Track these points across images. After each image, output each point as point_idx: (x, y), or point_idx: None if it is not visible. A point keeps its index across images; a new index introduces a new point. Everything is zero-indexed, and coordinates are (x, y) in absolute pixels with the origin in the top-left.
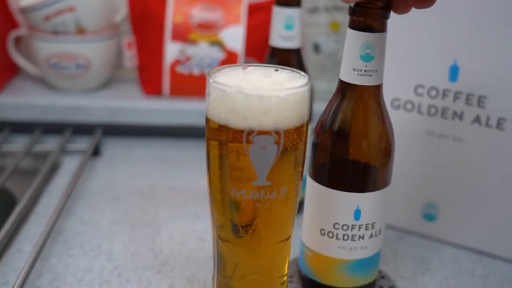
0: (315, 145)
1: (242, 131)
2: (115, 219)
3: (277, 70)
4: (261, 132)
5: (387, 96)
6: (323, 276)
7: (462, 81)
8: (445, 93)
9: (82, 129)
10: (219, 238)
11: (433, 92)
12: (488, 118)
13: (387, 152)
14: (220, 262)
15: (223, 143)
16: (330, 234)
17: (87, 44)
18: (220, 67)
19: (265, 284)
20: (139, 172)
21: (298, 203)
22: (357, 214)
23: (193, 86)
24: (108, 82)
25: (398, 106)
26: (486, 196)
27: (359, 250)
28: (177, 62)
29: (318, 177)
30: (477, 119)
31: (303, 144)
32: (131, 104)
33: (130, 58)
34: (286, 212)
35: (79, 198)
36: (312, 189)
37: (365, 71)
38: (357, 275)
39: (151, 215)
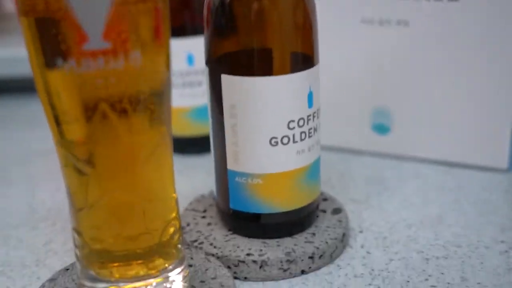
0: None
1: None
2: None
3: None
4: None
5: None
6: (276, 201)
7: None
8: None
9: None
10: (60, 147)
11: None
12: None
13: (309, 24)
14: (71, 188)
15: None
16: (285, 140)
17: None
18: None
19: (138, 206)
20: None
21: (167, 70)
22: (310, 99)
23: None
24: None
25: None
26: (445, 94)
27: (315, 149)
28: None
29: (243, 68)
30: None
31: None
32: None
33: None
34: (145, 82)
35: None
36: (239, 90)
37: None
38: (310, 186)
39: None
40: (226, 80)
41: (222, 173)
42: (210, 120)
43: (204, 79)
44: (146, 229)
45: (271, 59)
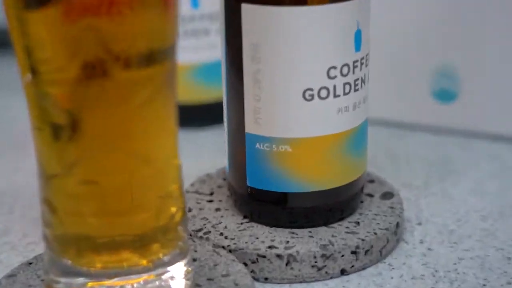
0: None
1: None
2: None
3: None
4: None
5: None
6: (309, 176)
7: None
8: None
9: None
10: (33, 79)
11: None
12: None
13: None
14: (42, 150)
15: None
16: (323, 93)
17: None
18: None
19: (127, 170)
20: None
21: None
22: (358, 39)
23: None
24: None
25: None
26: None
27: (362, 108)
28: None
29: None
30: None
31: None
32: None
33: None
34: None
35: None
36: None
37: None
38: (355, 158)
39: None
40: (248, 11)
41: (238, 139)
42: (223, 69)
43: (212, 27)
44: (137, 203)
45: None
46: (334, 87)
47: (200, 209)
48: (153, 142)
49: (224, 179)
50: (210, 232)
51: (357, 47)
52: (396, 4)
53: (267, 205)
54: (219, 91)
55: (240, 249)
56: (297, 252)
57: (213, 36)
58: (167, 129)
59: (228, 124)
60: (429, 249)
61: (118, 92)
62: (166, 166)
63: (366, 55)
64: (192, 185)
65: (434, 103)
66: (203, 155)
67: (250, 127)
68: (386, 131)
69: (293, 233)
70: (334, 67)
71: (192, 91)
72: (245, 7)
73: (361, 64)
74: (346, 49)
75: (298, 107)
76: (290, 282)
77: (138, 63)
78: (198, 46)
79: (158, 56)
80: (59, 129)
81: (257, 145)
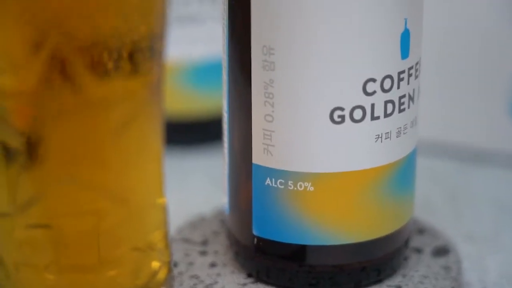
0: None
1: None
2: None
3: None
4: None
5: None
6: (336, 225)
7: None
8: None
9: None
10: None
11: None
12: None
13: None
14: None
15: None
16: (358, 114)
17: None
18: None
19: (95, 214)
20: None
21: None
22: (405, 43)
23: None
24: None
25: None
26: None
27: (410, 135)
28: None
29: None
30: None
31: None
32: None
33: None
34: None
35: None
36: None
37: None
38: (397, 201)
39: None
40: (259, 4)
41: (242, 172)
42: (225, 78)
43: (208, 11)
44: (106, 255)
45: None
46: (372, 106)
47: (190, 263)
48: (130, 175)
49: (222, 223)
50: None
51: (404, 53)
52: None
53: (279, 261)
54: (216, 102)
55: None
56: None
57: (210, 24)
58: (150, 158)
59: (230, 151)
60: None
61: (87, 109)
62: (146, 206)
63: (416, 64)
64: (179, 230)
65: (511, 125)
66: (193, 185)
67: (258, 157)
68: (443, 162)
69: None
70: (373, 80)
71: (180, 100)
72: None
73: (409, 75)
74: (389, 55)
75: (323, 132)
76: None
77: (115, 66)
78: (191, 39)
79: (141, 54)
80: (11, 154)
81: (268, 181)
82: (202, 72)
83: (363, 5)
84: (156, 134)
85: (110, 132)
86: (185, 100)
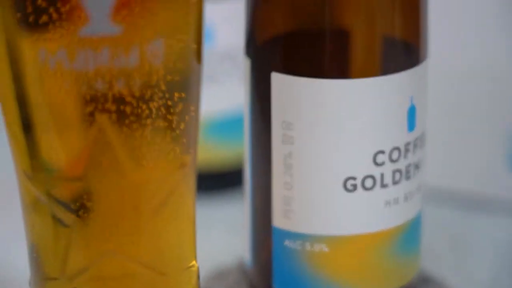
0: None
1: None
2: None
3: None
4: None
5: None
6: (350, 282)
7: None
8: None
9: None
10: (26, 178)
11: None
12: None
13: None
14: (39, 248)
15: None
16: (369, 182)
17: None
18: None
19: (140, 282)
20: None
21: (198, 88)
22: (412, 118)
23: None
24: None
25: None
26: None
27: (416, 199)
28: None
29: (306, 64)
30: None
31: None
32: None
33: None
34: (169, 101)
35: None
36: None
37: None
38: (404, 258)
39: None
40: (279, 81)
41: (263, 232)
42: (247, 146)
43: (231, 69)
44: None
45: (350, 50)
46: (382, 175)
47: None
48: (166, 244)
49: (245, 274)
50: None
51: (411, 126)
52: (465, 50)
53: None
54: (235, 153)
55: None
56: None
57: (231, 80)
58: (185, 226)
59: (251, 212)
60: None
61: (129, 190)
62: (180, 271)
63: (422, 135)
64: (202, 281)
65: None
66: (215, 233)
67: (278, 220)
68: (447, 208)
69: None
70: (382, 152)
71: (203, 152)
72: (277, 77)
73: (415, 146)
74: (397, 129)
75: (337, 199)
76: None
77: (157, 151)
78: (211, 95)
79: (179, 141)
80: (62, 227)
81: (286, 242)
82: (221, 126)
83: (373, 86)
84: (190, 205)
85: (149, 210)
86: (204, 150)
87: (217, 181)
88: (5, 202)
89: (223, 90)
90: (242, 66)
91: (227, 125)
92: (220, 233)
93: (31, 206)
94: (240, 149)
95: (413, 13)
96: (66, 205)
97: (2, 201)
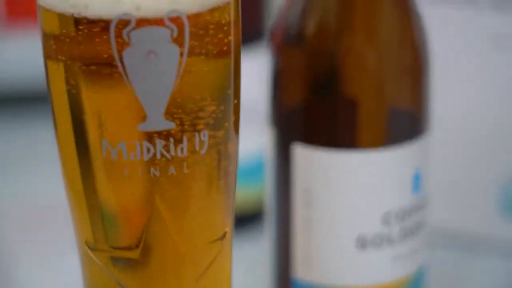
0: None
1: (107, 23)
2: None
3: None
4: (143, 22)
5: None
6: None
7: None
8: None
9: None
10: (91, 251)
11: None
12: None
13: (418, 66)
14: None
15: (70, 54)
16: (378, 240)
17: None
18: None
19: None
20: None
21: (236, 163)
22: (416, 183)
23: None
24: None
25: None
26: None
27: (420, 251)
28: None
29: (326, 135)
30: None
31: (231, 43)
32: None
33: None
34: (214, 181)
35: None
36: (319, 167)
37: None
38: None
39: None
40: (302, 152)
41: (284, 281)
42: (270, 206)
43: (251, 116)
44: None
45: (356, 123)
46: (389, 233)
47: None
48: None
49: None
50: None
51: (416, 190)
52: (463, 106)
53: None
54: (253, 197)
55: None
56: None
57: (253, 127)
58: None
59: (272, 264)
60: None
61: (176, 264)
62: None
63: (425, 195)
64: None
65: (502, 218)
66: (237, 272)
67: (298, 272)
68: (442, 249)
69: None
70: (390, 213)
71: None
72: (297, 148)
73: (420, 206)
74: (403, 193)
75: (350, 255)
76: None
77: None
78: None
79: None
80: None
81: None
82: (244, 170)
83: (381, 158)
84: (228, 269)
85: (191, 278)
86: None
87: (239, 220)
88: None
89: (245, 136)
90: (262, 112)
91: (248, 170)
92: (240, 272)
93: (90, 271)
94: (260, 192)
95: (418, 87)
96: (121, 272)
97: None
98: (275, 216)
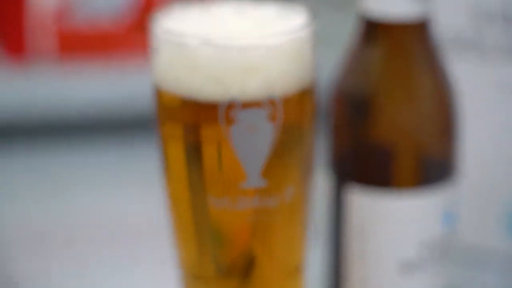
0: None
1: (216, 105)
2: None
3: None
4: (246, 105)
5: None
6: None
7: None
8: None
9: None
10: (195, 281)
11: None
12: None
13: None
14: None
15: (187, 128)
16: (416, 264)
17: None
18: (166, 7)
19: None
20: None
21: (310, 210)
22: (447, 218)
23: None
24: None
25: None
26: None
27: (448, 273)
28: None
29: (369, 177)
30: None
31: (310, 118)
32: None
33: None
34: (296, 226)
35: None
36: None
37: None
38: None
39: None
40: (357, 194)
41: None
42: (326, 242)
43: None
44: None
45: (400, 170)
46: (425, 259)
47: None
48: None
49: None
50: None
51: (448, 227)
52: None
53: None
54: None
55: None
56: None
57: None
58: None
59: None
60: None
61: None
62: None
63: (455, 229)
64: None
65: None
66: None
67: None
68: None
69: None
70: (424, 243)
71: None
72: (354, 190)
73: (450, 238)
74: (436, 229)
75: (393, 279)
76: None
77: None
78: None
79: None
80: None
81: None
82: None
83: (418, 201)
84: None
85: None
86: None
87: None
88: None
89: None
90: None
91: None
92: None
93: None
94: None
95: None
96: None
97: None
98: (328, 251)
